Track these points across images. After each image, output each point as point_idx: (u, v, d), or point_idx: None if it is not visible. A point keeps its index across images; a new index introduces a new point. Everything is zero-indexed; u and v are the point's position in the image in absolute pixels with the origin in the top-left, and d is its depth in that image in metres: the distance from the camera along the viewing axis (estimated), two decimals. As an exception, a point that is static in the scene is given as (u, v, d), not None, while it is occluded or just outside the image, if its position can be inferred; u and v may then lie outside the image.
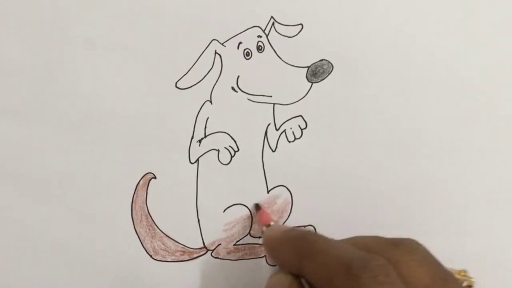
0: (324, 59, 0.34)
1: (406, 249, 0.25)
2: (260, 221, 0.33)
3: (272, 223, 0.32)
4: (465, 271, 0.31)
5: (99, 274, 0.33)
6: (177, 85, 0.34)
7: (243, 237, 0.34)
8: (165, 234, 0.34)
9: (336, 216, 0.35)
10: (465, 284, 0.29)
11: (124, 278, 0.33)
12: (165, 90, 0.34)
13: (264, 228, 0.32)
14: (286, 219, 0.35)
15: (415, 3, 0.35)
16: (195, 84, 0.34)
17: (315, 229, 0.35)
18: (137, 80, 0.34)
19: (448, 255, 0.34)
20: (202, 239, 0.34)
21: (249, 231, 0.35)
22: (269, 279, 0.28)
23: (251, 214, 0.34)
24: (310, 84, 0.34)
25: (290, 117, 0.35)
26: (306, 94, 0.34)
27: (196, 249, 0.34)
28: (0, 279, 0.33)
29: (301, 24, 0.34)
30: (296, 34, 0.34)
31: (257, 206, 0.34)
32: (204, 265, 0.34)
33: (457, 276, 0.30)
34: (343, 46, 0.35)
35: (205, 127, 0.34)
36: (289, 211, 0.35)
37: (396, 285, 0.23)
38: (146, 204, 0.34)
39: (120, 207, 0.33)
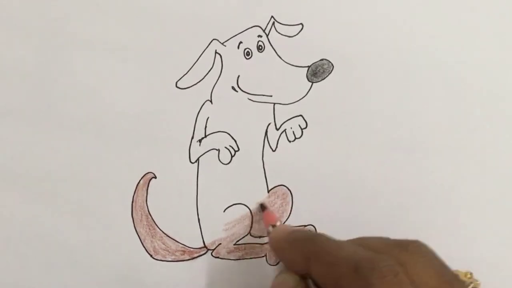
0: (324, 59, 0.34)
1: (413, 251, 0.25)
2: (265, 221, 0.33)
3: (278, 223, 0.32)
4: (470, 274, 0.31)
5: (99, 273, 0.33)
6: (177, 85, 0.34)
7: (243, 237, 0.34)
8: (165, 233, 0.34)
9: (336, 216, 0.35)
10: (470, 286, 0.29)
11: (124, 278, 0.33)
12: (165, 90, 0.34)
13: (270, 228, 0.32)
14: (286, 219, 0.35)
15: (415, 3, 0.35)
16: (195, 84, 0.34)
17: (315, 228, 0.35)
18: (137, 80, 0.34)
19: (448, 256, 0.34)
20: (202, 238, 0.34)
21: (250, 231, 0.35)
22: (275, 278, 0.28)
23: (251, 213, 0.34)
24: (311, 83, 0.34)
25: (290, 117, 0.35)
26: (306, 94, 0.34)
27: (197, 248, 0.34)
28: (0, 279, 0.33)
29: (301, 24, 0.35)
30: (296, 34, 0.34)
31: (262, 206, 0.34)
32: (204, 265, 0.34)
33: (463, 279, 0.30)
34: (343, 46, 0.35)
35: (205, 126, 0.34)
36: (289, 211, 0.35)
37: (405, 286, 0.23)
38: (147, 203, 0.34)
39: (121, 207, 0.33)
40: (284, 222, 0.35)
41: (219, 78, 0.34)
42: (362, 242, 0.27)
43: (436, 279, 0.24)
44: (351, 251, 0.25)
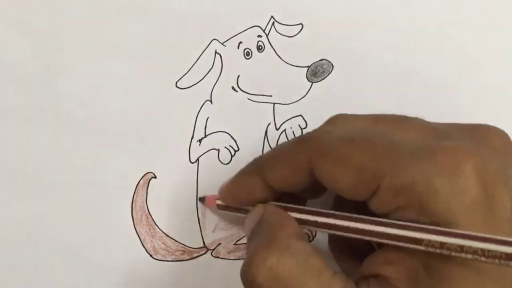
0: (324, 59, 0.34)
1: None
2: (212, 203, 0.32)
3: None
4: None
5: (99, 274, 0.33)
6: (177, 85, 0.34)
7: (243, 237, 0.34)
8: (165, 233, 0.34)
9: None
10: None
11: (124, 278, 0.33)
12: (165, 90, 0.34)
13: (218, 202, 0.31)
14: (286, 219, 0.35)
15: (415, 3, 0.35)
16: (195, 84, 0.34)
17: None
18: (137, 80, 0.34)
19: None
20: (202, 238, 0.34)
21: (249, 231, 0.34)
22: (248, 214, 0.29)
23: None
24: (310, 83, 0.34)
25: (290, 117, 0.35)
26: (306, 94, 0.34)
27: (196, 248, 0.34)
28: (-1, 279, 0.33)
29: (301, 24, 0.35)
30: (296, 34, 0.34)
31: (201, 199, 0.33)
32: (204, 265, 0.34)
33: None
34: (343, 46, 0.35)
35: (205, 126, 0.34)
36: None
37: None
38: (146, 203, 0.34)
39: (120, 207, 0.33)
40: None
41: (219, 78, 0.34)
42: None
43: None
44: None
